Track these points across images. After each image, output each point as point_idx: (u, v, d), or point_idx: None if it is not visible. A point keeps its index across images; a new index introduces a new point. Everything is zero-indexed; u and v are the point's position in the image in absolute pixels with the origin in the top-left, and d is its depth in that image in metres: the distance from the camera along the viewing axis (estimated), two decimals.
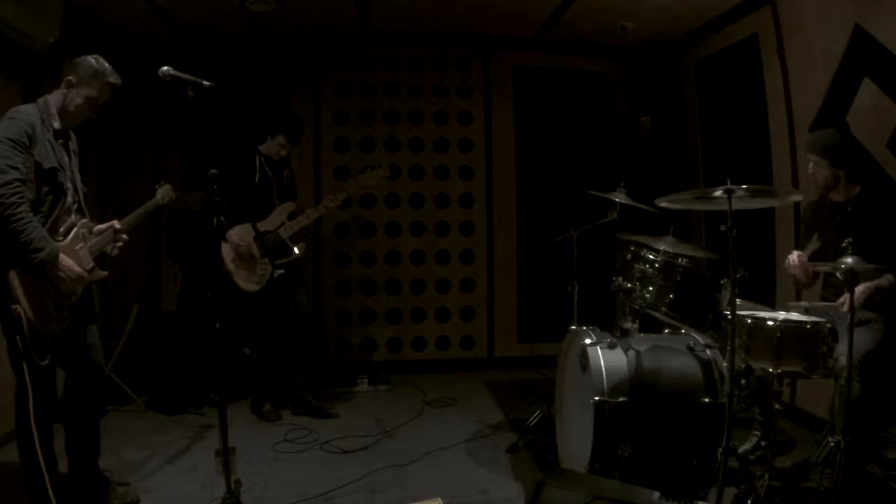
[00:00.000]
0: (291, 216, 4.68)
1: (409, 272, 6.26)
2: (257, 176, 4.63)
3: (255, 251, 4.51)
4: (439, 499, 3.28)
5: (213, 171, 2.90)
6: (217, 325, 2.94)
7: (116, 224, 3.22)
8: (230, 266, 4.52)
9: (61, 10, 4.46)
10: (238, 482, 2.89)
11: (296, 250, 4.51)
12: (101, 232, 3.18)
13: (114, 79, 3.09)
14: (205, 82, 2.84)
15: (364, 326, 6.21)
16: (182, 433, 4.37)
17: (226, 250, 4.53)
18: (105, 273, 3.23)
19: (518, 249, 6.42)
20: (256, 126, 4.81)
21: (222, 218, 4.37)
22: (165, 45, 5.68)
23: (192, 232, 5.40)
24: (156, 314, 5.73)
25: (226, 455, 2.80)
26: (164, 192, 3.56)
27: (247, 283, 4.54)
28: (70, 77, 2.99)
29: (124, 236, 3.25)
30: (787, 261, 3.57)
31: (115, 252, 3.26)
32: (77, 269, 2.93)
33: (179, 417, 4.70)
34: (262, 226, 4.54)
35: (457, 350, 6.33)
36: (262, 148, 4.71)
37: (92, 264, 3.08)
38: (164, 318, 5.58)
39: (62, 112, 3.01)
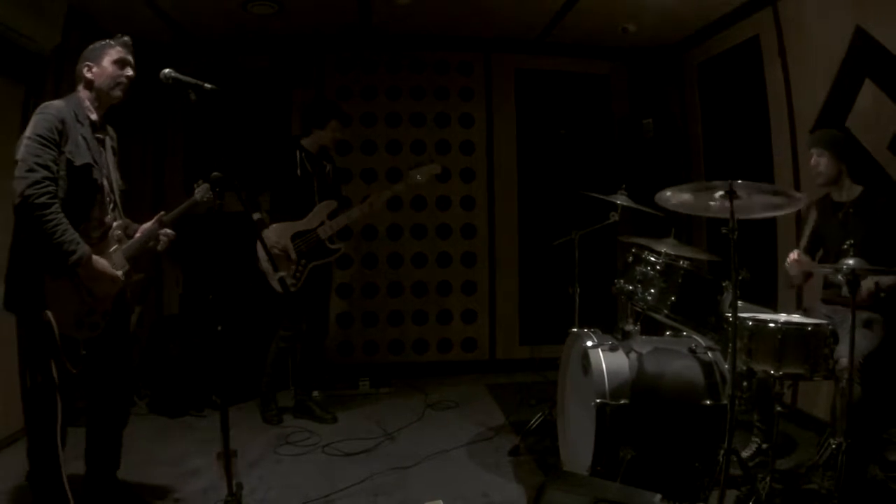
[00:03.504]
0: (332, 215, 4.62)
1: (411, 275, 6.26)
2: (299, 170, 4.57)
3: (292, 253, 4.49)
4: (441, 501, 3.29)
5: (215, 173, 2.90)
6: (219, 328, 2.93)
7: (163, 215, 3.16)
8: (265, 266, 4.47)
9: (63, 13, 4.47)
10: (240, 485, 2.88)
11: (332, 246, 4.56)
12: (145, 231, 3.13)
13: (125, 38, 3.05)
14: (206, 85, 2.84)
15: (366, 329, 6.21)
16: (183, 436, 4.38)
17: (261, 250, 4.48)
18: (142, 276, 3.19)
19: (520, 252, 6.42)
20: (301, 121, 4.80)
21: (259, 216, 4.40)
22: (167, 48, 5.69)
23: (195, 234, 5.40)
24: (157, 317, 5.74)
25: (227, 458, 2.79)
26: (201, 191, 3.37)
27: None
28: (87, 63, 2.96)
29: (169, 231, 3.20)
30: (788, 259, 3.57)
31: (162, 247, 3.21)
32: (110, 271, 2.88)
33: (181, 420, 4.71)
34: (301, 224, 4.53)
35: (458, 352, 6.33)
36: (305, 142, 4.67)
37: (127, 267, 3.03)
38: (165, 321, 5.58)
39: (96, 96, 2.97)
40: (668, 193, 3.06)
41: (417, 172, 4.75)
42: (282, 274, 4.38)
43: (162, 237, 3.19)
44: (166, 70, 2.83)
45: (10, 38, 4.01)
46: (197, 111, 2.88)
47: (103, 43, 3.00)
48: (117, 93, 3.01)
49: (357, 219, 4.71)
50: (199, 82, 2.83)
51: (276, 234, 4.47)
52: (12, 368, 4.16)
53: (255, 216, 4.38)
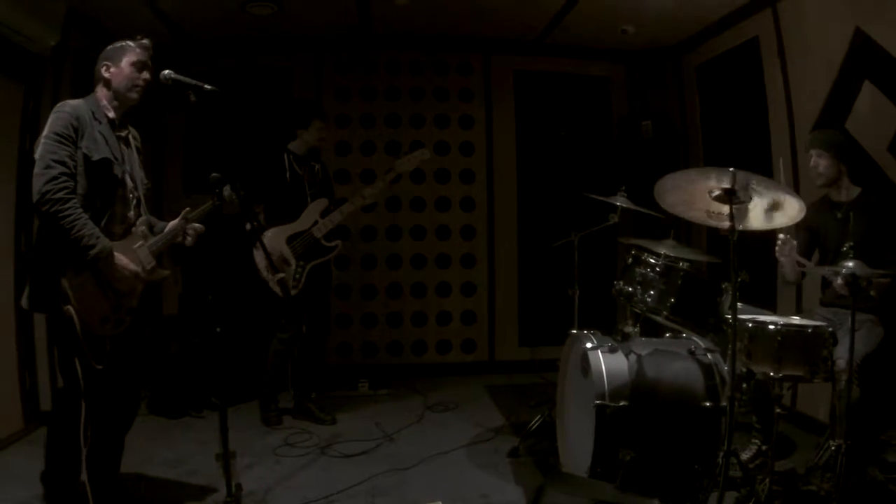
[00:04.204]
0: (324, 213, 4.61)
1: (410, 276, 6.26)
2: (288, 174, 4.57)
3: (289, 257, 4.48)
4: (440, 502, 3.28)
5: (214, 174, 2.90)
6: (218, 329, 2.93)
7: (189, 212, 3.14)
8: (266, 275, 4.44)
9: (63, 13, 4.47)
10: (239, 486, 2.88)
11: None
12: (172, 227, 3.12)
13: (144, 40, 3.03)
14: (206, 86, 2.84)
15: (365, 330, 6.21)
16: (182, 436, 4.37)
17: (259, 258, 4.46)
18: (168, 272, 3.19)
19: (519, 253, 6.42)
20: (284, 127, 4.78)
21: (255, 224, 4.39)
22: (167, 49, 5.66)
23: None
24: (157, 317, 5.72)
25: (226, 459, 2.80)
26: (226, 192, 3.30)
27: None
28: (106, 63, 2.95)
29: (197, 225, 3.18)
30: (778, 246, 3.43)
31: (190, 243, 3.19)
32: (132, 266, 2.87)
33: (180, 420, 4.70)
34: (295, 226, 4.52)
35: (458, 354, 6.33)
36: (291, 146, 4.67)
37: (153, 263, 3.03)
38: (165, 322, 5.57)
39: (114, 97, 2.96)
40: (668, 182, 3.03)
41: (406, 159, 4.75)
42: (281, 275, 4.37)
43: (190, 231, 3.18)
44: (166, 71, 2.84)
45: (9, 38, 4.01)
46: (197, 112, 2.87)
47: (122, 44, 3.00)
48: (133, 95, 3.01)
49: (350, 213, 4.68)
50: (199, 83, 2.83)
51: (271, 240, 4.46)
52: (11, 371, 4.17)
53: (248, 227, 4.38)
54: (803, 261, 3.49)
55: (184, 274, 5.57)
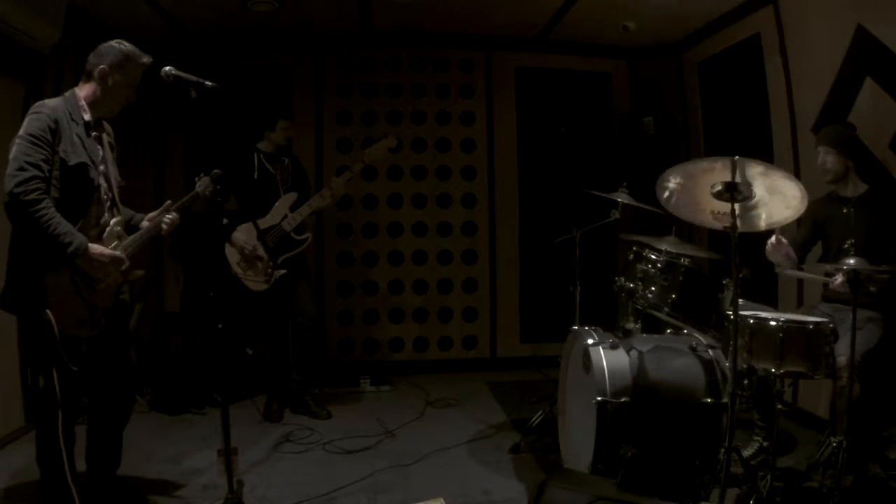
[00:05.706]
0: (294, 207, 4.63)
1: (412, 272, 6.26)
2: (256, 173, 4.60)
3: (262, 251, 4.48)
4: (441, 499, 3.28)
5: (215, 171, 2.90)
6: (220, 326, 2.93)
7: (170, 205, 3.13)
8: (237, 270, 4.47)
9: (63, 10, 4.46)
10: (240, 482, 2.89)
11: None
12: (152, 219, 3.10)
13: (146, 59, 2.98)
14: (207, 82, 2.83)
15: (366, 326, 6.21)
16: (184, 433, 4.38)
17: (231, 253, 4.47)
18: (142, 272, 3.17)
19: (520, 249, 6.41)
20: (252, 128, 4.79)
21: (226, 220, 4.40)
22: (168, 45, 5.67)
23: (195, 231, 5.40)
24: (158, 314, 5.74)
25: (228, 455, 2.80)
26: (203, 185, 3.28)
27: (256, 283, 4.49)
28: (102, 66, 2.87)
29: (172, 214, 3.15)
30: (767, 244, 3.48)
31: (166, 231, 3.14)
32: (110, 252, 2.82)
33: (182, 417, 4.71)
34: (265, 221, 4.52)
35: (459, 350, 6.33)
36: (260, 145, 4.70)
37: (128, 263, 2.99)
38: (166, 319, 5.59)
39: (98, 103, 2.91)
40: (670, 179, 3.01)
41: (373, 149, 4.76)
42: (282, 271, 4.37)
43: (165, 220, 3.13)
44: (167, 67, 2.82)
45: (10, 36, 4.01)
46: (198, 109, 2.85)
47: (127, 51, 2.92)
48: (115, 112, 3.01)
49: (320, 206, 4.70)
50: (200, 80, 2.82)
51: (244, 236, 4.48)
52: (12, 368, 4.17)
53: (224, 221, 4.38)
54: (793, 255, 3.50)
55: (185, 271, 5.58)
